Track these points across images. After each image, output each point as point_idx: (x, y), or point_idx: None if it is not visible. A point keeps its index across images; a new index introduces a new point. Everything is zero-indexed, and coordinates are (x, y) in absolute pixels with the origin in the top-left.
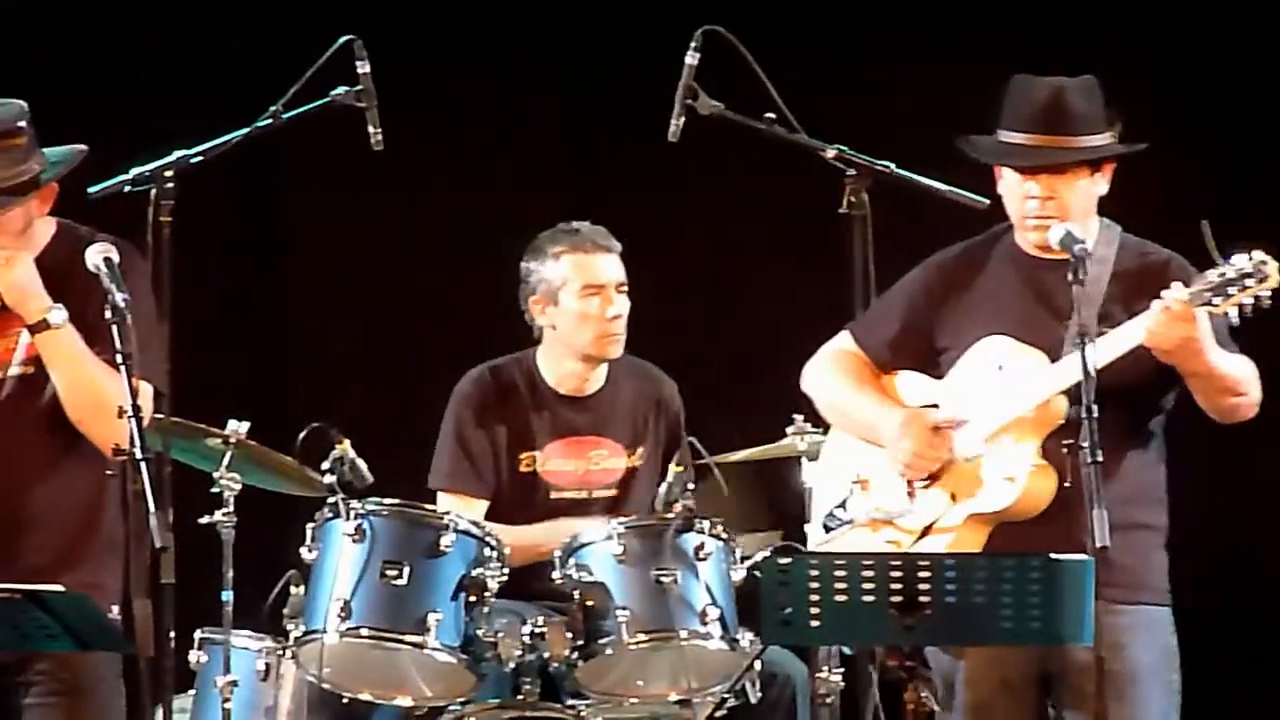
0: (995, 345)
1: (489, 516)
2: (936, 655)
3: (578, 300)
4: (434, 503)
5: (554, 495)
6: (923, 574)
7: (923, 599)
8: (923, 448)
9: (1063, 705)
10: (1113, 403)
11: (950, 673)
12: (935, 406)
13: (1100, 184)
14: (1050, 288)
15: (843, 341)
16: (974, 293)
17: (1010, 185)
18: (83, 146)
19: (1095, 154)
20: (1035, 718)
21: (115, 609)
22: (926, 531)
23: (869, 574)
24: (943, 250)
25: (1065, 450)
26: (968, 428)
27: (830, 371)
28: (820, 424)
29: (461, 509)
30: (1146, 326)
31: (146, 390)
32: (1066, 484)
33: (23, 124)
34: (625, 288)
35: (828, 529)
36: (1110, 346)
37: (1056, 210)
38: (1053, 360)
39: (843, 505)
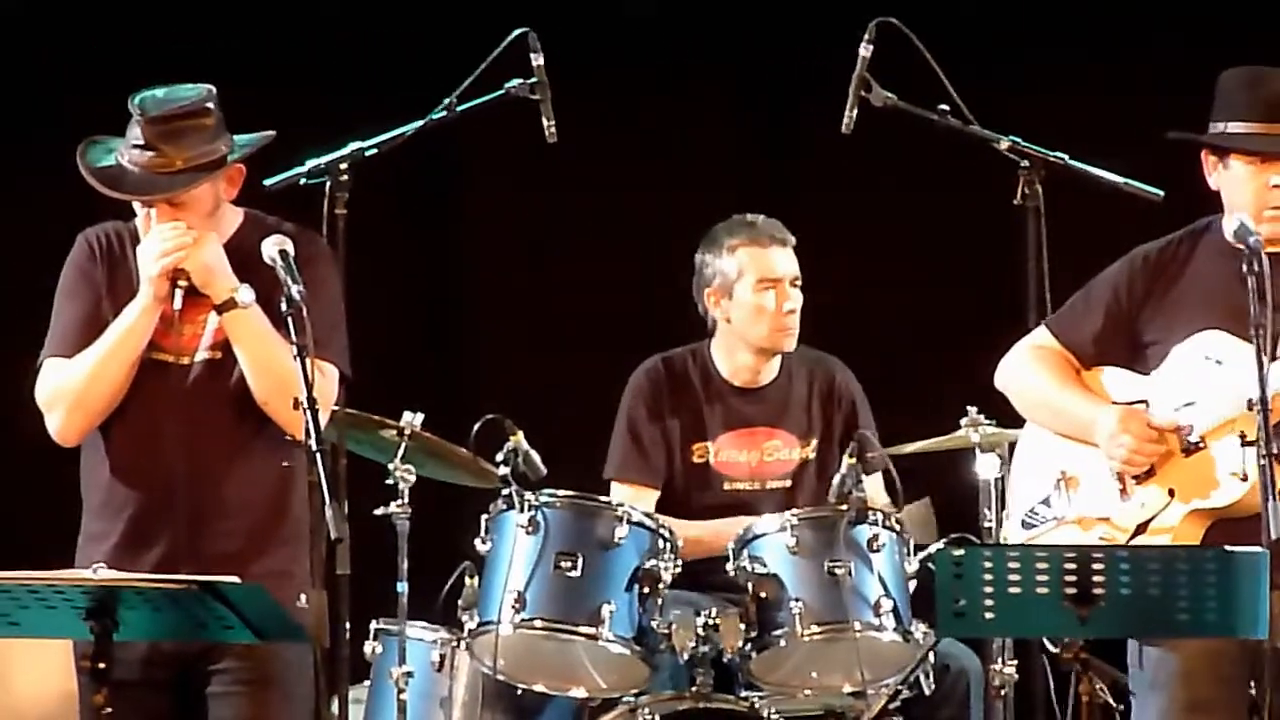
0: (1211, 340)
1: (662, 507)
2: (1145, 648)
3: (753, 294)
4: (607, 494)
5: (727, 486)
6: (1096, 565)
7: (1097, 591)
8: (1141, 443)
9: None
10: None
11: (1157, 664)
12: (1144, 402)
13: None
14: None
15: (1040, 337)
16: (1183, 287)
17: (1242, 177)
18: (271, 132)
19: None
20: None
21: (304, 598)
22: (1141, 529)
23: (1043, 565)
24: (1143, 245)
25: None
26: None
27: (1031, 368)
28: (998, 417)
29: (633, 499)
30: None
31: (332, 374)
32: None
33: (210, 105)
34: (799, 281)
35: (1027, 526)
36: None
37: None
38: (1273, 355)
39: (1045, 502)
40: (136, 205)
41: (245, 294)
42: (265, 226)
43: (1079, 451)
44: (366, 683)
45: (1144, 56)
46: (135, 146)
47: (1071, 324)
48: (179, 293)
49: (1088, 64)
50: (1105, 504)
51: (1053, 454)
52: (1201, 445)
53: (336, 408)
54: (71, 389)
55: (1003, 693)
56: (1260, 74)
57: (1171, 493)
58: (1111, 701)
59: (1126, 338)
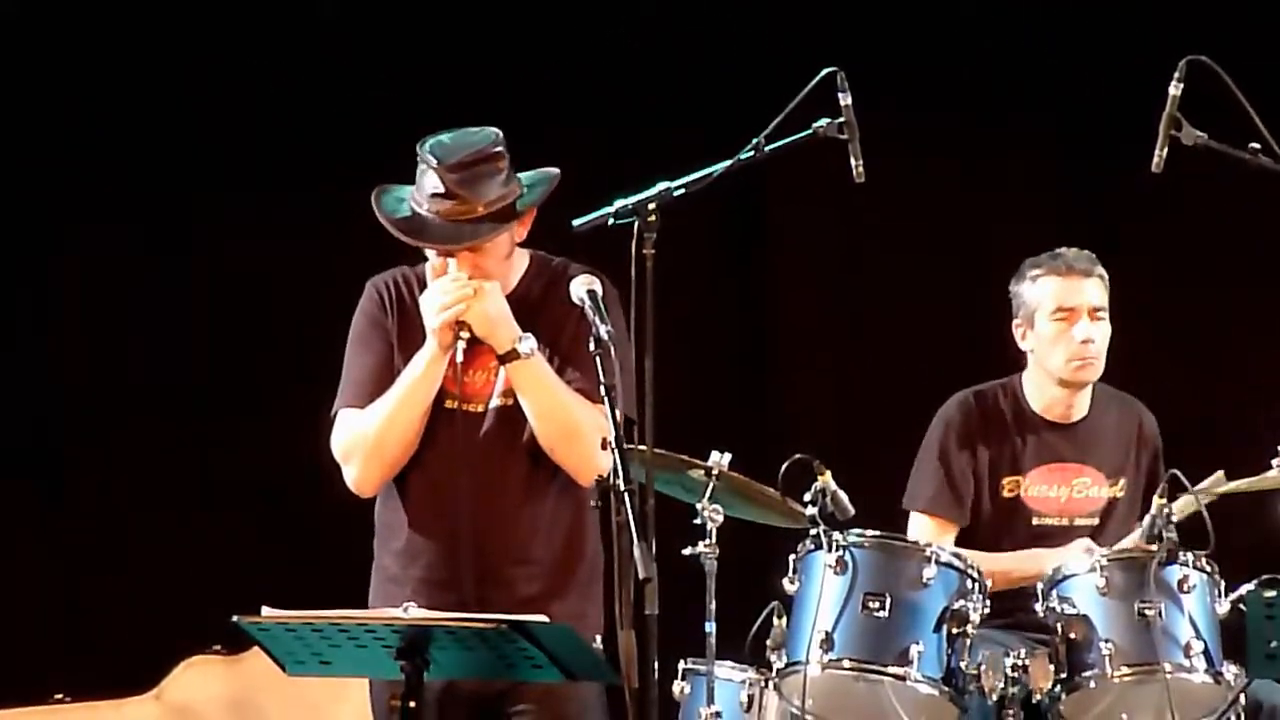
0: None
1: (968, 541)
2: None
3: (1051, 323)
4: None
5: (1035, 522)
6: None
7: None
8: None
9: None
10: None
11: None
12: None
13: None
14: None
15: None
16: None
17: None
18: (554, 170)
19: None
20: None
21: (599, 639)
22: None
23: None
24: None
25: None
26: None
27: None
28: None
29: (934, 533)
30: None
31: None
32: None
33: (501, 149)
34: (1103, 313)
35: None
36: None
37: None
38: None
39: None
40: (430, 253)
41: (526, 344)
42: (552, 269)
43: None
44: None
45: None
46: (435, 195)
47: None
48: (461, 343)
49: None
50: None
51: None
52: None
53: (644, 448)
54: (365, 439)
55: None
56: None
57: None
58: None
59: None
